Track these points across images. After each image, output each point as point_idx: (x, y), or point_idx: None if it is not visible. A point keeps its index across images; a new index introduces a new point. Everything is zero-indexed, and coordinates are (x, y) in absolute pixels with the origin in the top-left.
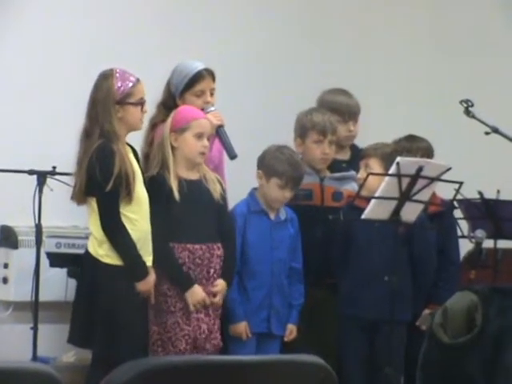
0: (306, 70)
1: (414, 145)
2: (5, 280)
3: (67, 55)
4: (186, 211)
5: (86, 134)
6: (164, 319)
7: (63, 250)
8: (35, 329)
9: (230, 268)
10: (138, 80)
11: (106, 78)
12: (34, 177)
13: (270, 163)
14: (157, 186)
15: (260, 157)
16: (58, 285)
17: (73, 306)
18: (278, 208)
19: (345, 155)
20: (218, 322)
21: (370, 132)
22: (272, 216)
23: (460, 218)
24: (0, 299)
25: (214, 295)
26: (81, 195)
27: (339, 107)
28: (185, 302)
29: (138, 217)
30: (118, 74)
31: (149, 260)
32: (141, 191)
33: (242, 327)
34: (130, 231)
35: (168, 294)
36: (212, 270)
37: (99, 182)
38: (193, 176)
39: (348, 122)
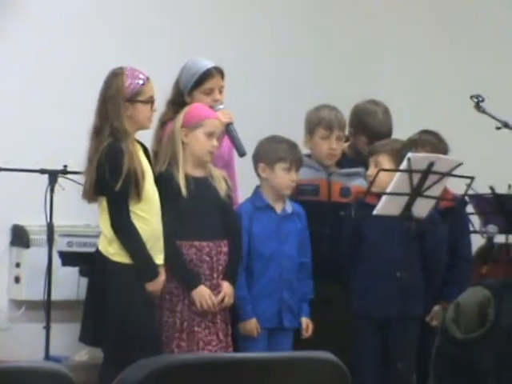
0: (314, 67)
1: (423, 137)
2: (17, 279)
3: (77, 54)
4: (193, 208)
5: (96, 132)
6: (165, 318)
7: (75, 248)
8: (47, 328)
9: (234, 266)
10: (147, 78)
11: (116, 75)
12: (46, 176)
13: (269, 151)
14: (165, 183)
15: (256, 152)
16: (70, 284)
17: (84, 304)
18: (288, 195)
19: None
20: (223, 328)
21: None
22: (278, 210)
23: (472, 213)
24: (12, 298)
25: (222, 300)
26: (91, 193)
27: (368, 130)
28: (187, 305)
29: (148, 215)
30: (128, 72)
31: (159, 258)
32: (151, 189)
33: (252, 324)
34: (140, 230)
35: (174, 292)
36: (220, 267)
37: (108, 181)
38: (199, 173)
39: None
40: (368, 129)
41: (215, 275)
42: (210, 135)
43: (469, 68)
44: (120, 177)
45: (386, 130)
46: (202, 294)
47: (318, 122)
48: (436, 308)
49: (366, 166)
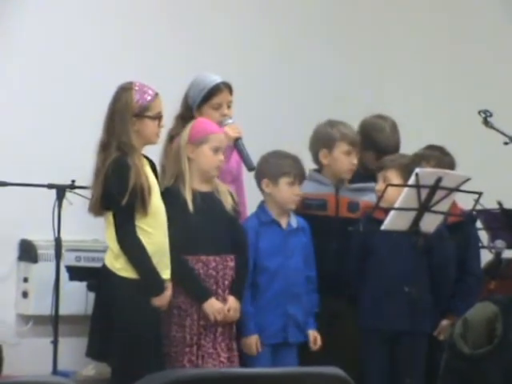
0: (319, 80)
1: (427, 152)
2: (25, 294)
3: (84, 69)
4: (200, 223)
5: (103, 146)
6: (173, 332)
7: (83, 263)
8: (55, 342)
9: (241, 280)
10: (156, 94)
11: (124, 90)
12: (53, 191)
13: (272, 167)
14: (171, 198)
15: (259, 168)
16: (77, 298)
17: (90, 319)
18: (293, 209)
19: None
20: (226, 343)
21: None
22: (284, 225)
23: (480, 229)
24: (20, 313)
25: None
26: (97, 207)
27: (375, 145)
28: (196, 319)
29: (154, 230)
30: (136, 87)
31: (166, 273)
32: (157, 204)
33: (252, 340)
34: (146, 245)
35: (182, 307)
36: (226, 282)
37: (115, 195)
38: (206, 188)
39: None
40: (376, 144)
41: (221, 290)
42: (216, 150)
43: (476, 83)
44: (126, 191)
45: (393, 145)
46: (214, 307)
47: (340, 137)
48: (444, 322)
49: (374, 181)
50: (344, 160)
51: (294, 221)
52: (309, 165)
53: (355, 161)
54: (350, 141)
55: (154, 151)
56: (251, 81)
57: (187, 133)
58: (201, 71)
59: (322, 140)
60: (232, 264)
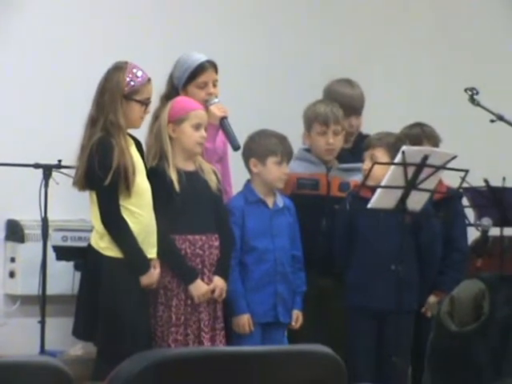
0: (309, 63)
1: (405, 130)
2: (12, 274)
3: (71, 49)
4: (186, 202)
5: (92, 122)
6: (160, 312)
7: (69, 243)
8: (43, 322)
9: (225, 259)
10: (149, 80)
11: (118, 69)
12: (40, 170)
13: (260, 146)
14: (157, 178)
15: (246, 148)
16: (64, 278)
17: (76, 298)
18: (280, 188)
19: (347, 144)
20: (212, 322)
21: (374, 122)
22: (270, 204)
23: (466, 206)
24: (7, 293)
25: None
26: (82, 182)
27: (341, 100)
28: (183, 299)
29: (139, 209)
30: (130, 68)
31: (152, 252)
32: (142, 184)
33: (245, 319)
34: (132, 224)
35: (168, 287)
36: (212, 261)
37: (98, 175)
38: (190, 167)
39: (349, 116)
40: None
41: (206, 270)
42: (197, 127)
43: (463, 61)
44: (109, 172)
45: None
46: (200, 290)
47: (314, 117)
48: (431, 299)
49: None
50: (320, 141)
51: (280, 200)
52: (297, 145)
53: (331, 140)
54: (323, 120)
55: (140, 131)
56: (237, 60)
57: (167, 112)
58: (186, 51)
59: (304, 121)
60: (217, 243)
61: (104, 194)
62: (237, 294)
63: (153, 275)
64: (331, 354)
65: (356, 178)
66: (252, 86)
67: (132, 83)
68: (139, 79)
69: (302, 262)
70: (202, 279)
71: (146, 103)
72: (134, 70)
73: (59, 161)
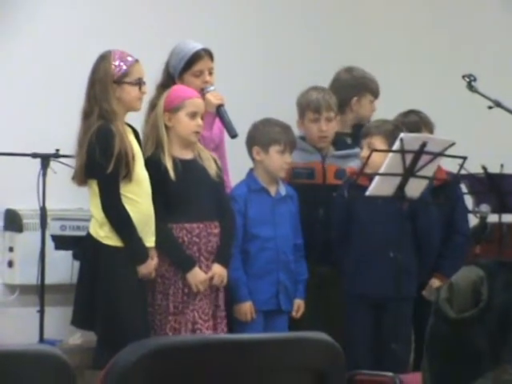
0: (305, 50)
1: (400, 118)
2: (10, 263)
3: (67, 39)
4: (182, 190)
5: (85, 115)
6: (158, 301)
7: (68, 232)
8: (41, 312)
9: (226, 247)
10: (136, 61)
11: (103, 58)
12: (38, 160)
13: (263, 134)
14: (153, 166)
15: (249, 136)
16: (63, 267)
17: (75, 287)
18: (283, 177)
19: (347, 128)
20: (213, 310)
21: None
22: (273, 193)
23: (465, 193)
24: (6, 283)
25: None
26: (81, 176)
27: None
28: (180, 287)
29: (138, 197)
30: (115, 55)
31: (151, 241)
32: (141, 172)
33: (247, 307)
34: (132, 213)
35: (166, 275)
36: (209, 249)
37: (100, 163)
38: (187, 155)
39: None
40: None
41: (203, 258)
42: (192, 115)
43: (460, 47)
44: (111, 158)
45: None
46: (197, 278)
47: (306, 105)
48: (432, 282)
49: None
50: (312, 128)
51: (283, 189)
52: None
53: (324, 127)
54: (315, 107)
55: (138, 122)
56: (234, 48)
57: (163, 101)
58: (182, 39)
59: (298, 109)
60: (216, 231)
61: (106, 183)
62: (239, 281)
63: (151, 265)
64: (330, 342)
65: (352, 164)
66: (249, 75)
67: (119, 68)
68: (126, 62)
69: (303, 250)
70: (200, 267)
71: (138, 83)
72: (119, 55)
73: (57, 150)
